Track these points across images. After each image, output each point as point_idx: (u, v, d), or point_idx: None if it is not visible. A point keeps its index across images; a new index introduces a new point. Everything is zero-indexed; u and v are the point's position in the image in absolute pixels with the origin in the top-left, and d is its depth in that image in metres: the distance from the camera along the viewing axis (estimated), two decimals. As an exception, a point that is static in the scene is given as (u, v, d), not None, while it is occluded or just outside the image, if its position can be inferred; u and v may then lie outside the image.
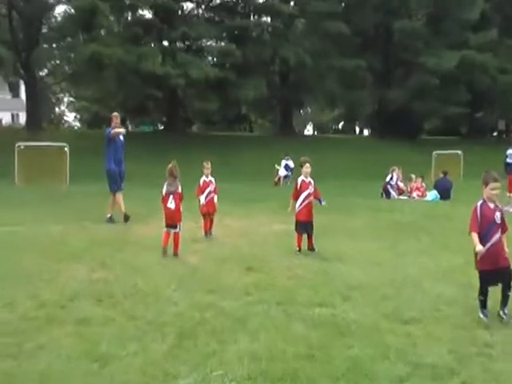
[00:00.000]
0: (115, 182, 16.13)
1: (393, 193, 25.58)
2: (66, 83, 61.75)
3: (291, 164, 33.89)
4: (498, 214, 7.42)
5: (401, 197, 25.57)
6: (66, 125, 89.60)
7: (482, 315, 7.34)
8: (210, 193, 13.52)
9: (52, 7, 49.67)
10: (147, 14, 52.43)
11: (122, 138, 16.35)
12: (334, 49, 50.96)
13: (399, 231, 14.48)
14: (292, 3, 52.69)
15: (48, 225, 14.66)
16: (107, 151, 16.24)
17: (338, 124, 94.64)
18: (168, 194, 11.32)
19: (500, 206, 7.66)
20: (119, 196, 16.08)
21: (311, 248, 11.78)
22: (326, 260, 10.81)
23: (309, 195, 11.81)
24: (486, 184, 7.43)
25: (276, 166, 34.38)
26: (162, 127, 58.80)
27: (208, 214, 13.48)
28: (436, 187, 25.47)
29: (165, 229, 11.24)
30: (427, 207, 20.67)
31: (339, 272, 9.75)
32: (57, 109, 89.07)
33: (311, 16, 51.35)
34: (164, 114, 59.00)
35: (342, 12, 51.21)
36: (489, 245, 7.32)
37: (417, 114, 54.76)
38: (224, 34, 50.26)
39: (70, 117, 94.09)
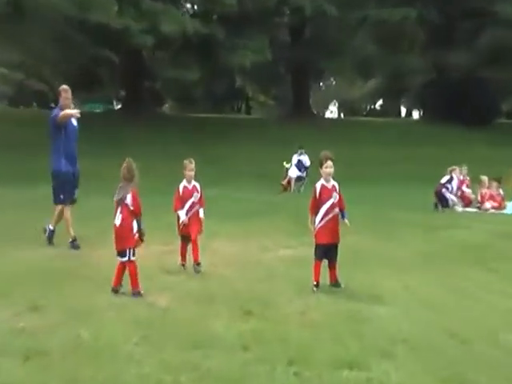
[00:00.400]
0: (64, 190, 15.89)
1: (451, 198, 25.56)
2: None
3: (306, 161, 33.96)
4: None
5: (468, 209, 25.58)
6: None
7: None
8: (193, 205, 13.36)
9: None
10: None
11: (74, 122, 16.16)
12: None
13: (463, 259, 14.51)
14: None
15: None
16: (54, 143, 15.93)
17: (375, 102, 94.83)
18: (116, 204, 11.33)
19: None
20: (67, 210, 15.94)
21: (335, 282, 11.82)
22: (357, 300, 10.83)
23: (333, 206, 11.80)
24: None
25: (285, 163, 34.42)
26: (119, 106, 59.00)
27: (188, 236, 13.33)
28: (520, 195, 25.58)
29: (117, 257, 11.27)
30: (506, 224, 20.70)
31: (376, 318, 9.78)
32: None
33: None
34: (122, 88, 59.17)
35: None
36: None
37: (490, 88, 54.78)
38: (209, -30, 50.44)
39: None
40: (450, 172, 25.93)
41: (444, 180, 25.82)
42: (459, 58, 51.16)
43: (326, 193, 11.75)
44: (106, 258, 13.24)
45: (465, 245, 16.48)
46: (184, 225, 13.21)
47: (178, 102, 73.31)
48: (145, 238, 11.23)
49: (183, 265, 13.28)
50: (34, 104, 77.54)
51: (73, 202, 16.05)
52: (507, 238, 17.70)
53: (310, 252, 11.94)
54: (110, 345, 8.35)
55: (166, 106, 75.70)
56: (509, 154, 37.71)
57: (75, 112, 15.89)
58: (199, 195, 13.41)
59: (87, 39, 43.83)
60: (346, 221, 11.88)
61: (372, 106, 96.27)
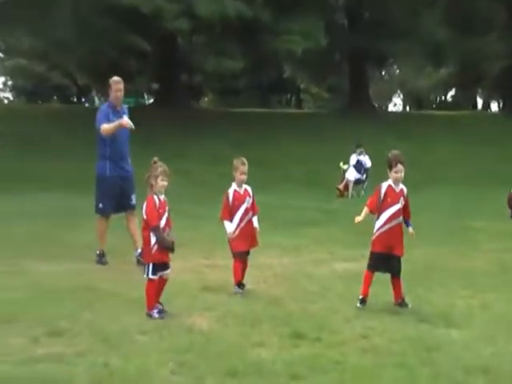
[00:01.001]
0: (105, 199, 15.94)
1: None
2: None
3: (367, 161, 33.91)
4: None
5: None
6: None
7: None
8: (246, 212, 12.94)
9: None
10: None
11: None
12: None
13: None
14: None
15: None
16: (100, 144, 16.03)
17: (447, 93, 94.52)
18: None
19: None
20: (103, 221, 16.00)
21: (400, 301, 11.81)
22: (428, 322, 10.80)
23: (397, 213, 11.77)
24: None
25: (341, 164, 34.39)
26: (152, 100, 59.31)
27: (244, 253, 12.94)
28: None
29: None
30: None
31: (450, 343, 9.74)
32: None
33: None
34: (155, 79, 59.49)
35: None
36: None
37: None
38: None
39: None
40: None
41: None
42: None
43: (393, 197, 11.69)
44: (139, 273, 13.30)
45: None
46: (236, 238, 12.71)
47: (219, 96, 73.61)
48: (173, 250, 11.18)
49: (239, 285, 12.77)
50: (55, 98, 78.26)
51: (130, 207, 16.01)
52: None
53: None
54: (142, 373, 8.38)
55: (205, 99, 75.98)
56: None
57: (126, 123, 15.45)
58: (251, 200, 13.05)
59: (114, 25, 43.96)
60: (411, 229, 11.86)
61: (443, 98, 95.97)
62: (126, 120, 15.39)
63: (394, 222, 11.67)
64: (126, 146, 16.12)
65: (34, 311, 11.13)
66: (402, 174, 11.67)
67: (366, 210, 11.80)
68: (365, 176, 33.65)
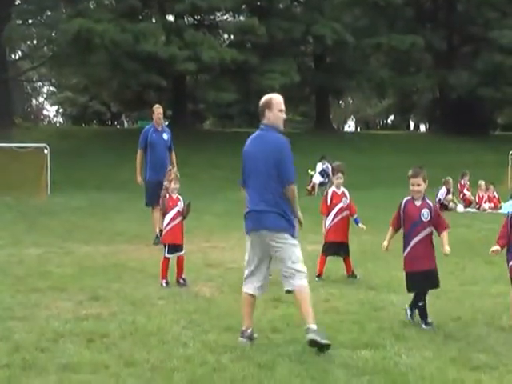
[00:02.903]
0: (148, 195, 16.09)
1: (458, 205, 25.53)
2: (46, 69, 62.13)
3: (329, 169, 33.89)
4: None
5: (468, 209, 25.45)
6: (46, 120, 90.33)
7: None
8: (340, 210, 12.03)
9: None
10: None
11: (165, 137, 16.35)
12: (382, 23, 51.01)
13: (466, 253, 14.40)
14: (329, -34, 52.71)
15: (23, 248, 14.82)
16: (144, 156, 16.29)
17: (387, 118, 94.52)
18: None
19: None
20: (155, 212, 15.70)
21: (352, 274, 11.83)
22: (374, 289, 10.80)
23: (341, 209, 11.85)
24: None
25: (310, 171, 34.39)
26: (167, 123, 59.19)
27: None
28: (514, 196, 25.30)
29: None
30: (502, 221, 20.52)
31: (390, 304, 9.74)
32: (34, 101, 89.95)
33: (353, -18, 51.52)
34: (169, 107, 59.33)
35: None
36: None
37: (487, 104, 54.57)
38: (243, 6, 50.46)
39: (51, 111, 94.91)
40: (444, 184, 25.86)
41: (440, 195, 25.76)
42: (460, 79, 50.88)
43: (336, 198, 11.83)
44: (157, 253, 13.26)
45: (467, 240, 16.40)
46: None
47: (218, 119, 73.35)
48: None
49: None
50: (94, 122, 78.01)
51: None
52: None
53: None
54: (160, 329, 8.39)
55: (207, 122, 75.82)
56: (504, 160, 37.44)
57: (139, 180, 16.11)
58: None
59: (139, 67, 43.99)
60: (360, 225, 11.92)
61: (385, 121, 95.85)
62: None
63: (339, 217, 11.78)
64: (165, 155, 16.16)
65: (78, 282, 11.13)
66: (341, 180, 11.82)
67: (323, 218, 12.01)
68: (327, 180, 33.66)
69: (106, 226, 19.21)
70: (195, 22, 50.46)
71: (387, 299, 10.06)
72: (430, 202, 9.04)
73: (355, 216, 12.03)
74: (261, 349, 7.63)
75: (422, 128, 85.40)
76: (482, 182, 26.46)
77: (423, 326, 8.63)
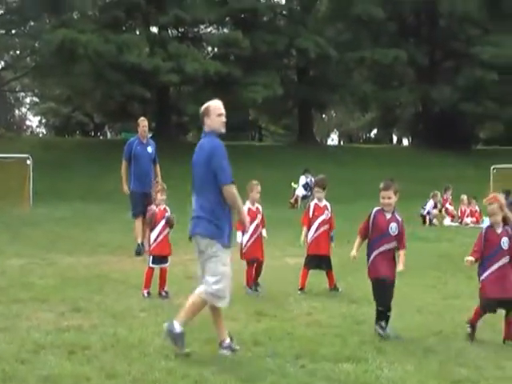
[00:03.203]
0: (132, 206, 16.19)
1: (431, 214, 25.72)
2: (29, 79, 62.01)
3: (312, 182, 33.94)
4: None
5: (451, 223, 25.56)
6: (29, 131, 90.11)
7: None
8: (257, 228, 12.05)
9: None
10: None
11: (149, 150, 16.53)
12: (366, 37, 51.24)
13: (447, 267, 14.49)
14: (313, -21, 53.02)
15: (5, 259, 14.76)
16: (128, 167, 16.40)
17: (370, 131, 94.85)
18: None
19: None
20: (137, 221, 15.96)
21: (334, 287, 11.85)
22: (356, 303, 10.82)
23: (323, 222, 11.89)
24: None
25: (293, 184, 34.42)
26: (150, 135, 59.13)
27: (255, 260, 12.09)
28: (495, 211, 25.40)
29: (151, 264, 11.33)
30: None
31: (372, 317, 9.74)
32: (16, 111, 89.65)
33: (336, -4, 51.79)
34: (153, 119, 59.26)
35: (376, -9, 51.20)
36: None
37: (469, 119, 54.88)
38: (227, 19, 50.69)
39: (34, 121, 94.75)
40: (432, 197, 26.01)
41: (428, 207, 25.94)
42: (442, 94, 51.19)
43: (318, 211, 11.86)
44: (140, 264, 13.25)
45: (449, 254, 16.49)
46: (246, 248, 11.93)
47: (201, 132, 73.40)
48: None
49: (251, 287, 11.97)
50: (77, 132, 77.94)
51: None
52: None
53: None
54: (142, 341, 8.36)
55: (191, 134, 75.82)
56: (486, 175, 37.61)
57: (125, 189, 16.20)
58: (261, 216, 12.19)
59: (123, 78, 43.97)
60: (333, 244, 12.07)
61: (368, 135, 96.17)
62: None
63: (321, 230, 11.82)
64: (149, 167, 16.36)
65: (60, 293, 11.09)
66: (320, 194, 11.88)
67: (303, 229, 12.01)
68: (310, 193, 33.71)
69: (89, 236, 19.17)
70: (179, 34, 50.64)
71: (369, 312, 10.05)
72: (398, 217, 9.12)
73: (332, 232, 12.07)
74: (243, 362, 7.62)
75: (405, 142, 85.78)
76: (464, 197, 26.63)
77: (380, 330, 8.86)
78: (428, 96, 53.26)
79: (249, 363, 7.58)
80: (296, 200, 33.75)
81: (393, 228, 8.94)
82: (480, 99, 50.68)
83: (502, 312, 8.88)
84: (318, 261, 11.89)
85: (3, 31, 47.84)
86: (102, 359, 7.64)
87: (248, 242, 11.90)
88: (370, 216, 9.14)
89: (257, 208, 12.13)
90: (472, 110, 51.06)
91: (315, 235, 11.89)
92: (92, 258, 15.20)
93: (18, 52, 50.72)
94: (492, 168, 37.83)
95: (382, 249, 8.99)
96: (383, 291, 8.88)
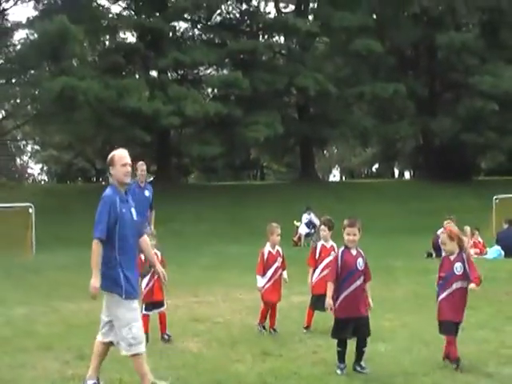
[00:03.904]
0: None
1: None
2: (29, 127, 62.30)
3: (314, 219, 33.97)
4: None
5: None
6: (31, 179, 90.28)
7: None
8: (276, 270, 11.92)
9: (9, 32, 50.31)
10: (129, 38, 53.36)
11: (147, 194, 16.59)
12: (365, 72, 51.50)
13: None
14: (310, 18, 53.28)
15: (9, 307, 14.74)
16: None
17: (372, 166, 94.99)
18: None
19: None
20: None
21: None
22: (361, 340, 10.79)
23: (329, 264, 11.88)
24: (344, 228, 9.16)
25: (295, 222, 34.44)
26: (152, 178, 59.26)
27: (271, 303, 11.95)
28: (499, 241, 25.35)
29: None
30: (487, 267, 20.58)
31: (377, 354, 9.74)
32: (18, 160, 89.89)
33: (335, 33, 52.13)
34: (154, 162, 59.50)
35: (374, 26, 51.60)
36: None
37: (470, 149, 54.94)
38: (227, 60, 51.05)
39: (35, 169, 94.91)
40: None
41: (439, 231, 25.67)
42: (442, 126, 51.31)
43: (325, 252, 11.87)
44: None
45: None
46: (264, 290, 11.78)
47: (203, 173, 73.51)
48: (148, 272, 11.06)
49: (263, 326, 11.87)
50: (79, 179, 78.17)
51: None
52: (490, 280, 17.59)
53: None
54: (148, 386, 8.32)
55: (192, 176, 75.97)
56: (488, 205, 37.61)
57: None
58: (281, 259, 12.09)
59: (123, 122, 44.14)
60: None
61: (369, 170, 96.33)
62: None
63: (326, 271, 11.77)
64: (145, 211, 16.12)
65: (64, 341, 11.07)
66: (325, 233, 11.88)
67: (310, 270, 12.04)
68: (313, 230, 33.74)
69: (89, 282, 19.11)
70: (179, 77, 50.96)
71: (374, 349, 10.04)
72: (361, 252, 9.41)
73: None
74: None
75: (407, 175, 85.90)
76: (467, 228, 26.52)
77: (358, 368, 8.95)
78: (428, 128, 53.42)
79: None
80: (299, 238, 33.82)
81: (360, 263, 9.20)
82: (480, 129, 50.76)
83: (508, 342, 8.87)
84: (324, 301, 11.85)
85: (3, 80, 48.10)
86: (108, 406, 7.65)
87: (266, 284, 11.78)
88: (337, 257, 9.30)
89: (277, 251, 11.99)
90: (473, 140, 51.14)
91: (320, 276, 11.79)
92: (93, 304, 15.14)
93: (18, 100, 50.96)
94: (494, 198, 37.85)
95: (354, 286, 9.11)
96: (348, 329, 9.05)
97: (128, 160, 8.45)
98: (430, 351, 9.82)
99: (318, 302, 11.81)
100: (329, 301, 9.09)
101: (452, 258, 9.38)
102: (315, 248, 12.14)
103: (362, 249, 9.42)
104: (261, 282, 11.74)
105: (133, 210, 8.35)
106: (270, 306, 11.87)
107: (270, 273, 11.76)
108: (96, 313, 13.77)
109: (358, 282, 9.11)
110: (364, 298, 9.17)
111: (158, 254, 11.26)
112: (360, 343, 9.05)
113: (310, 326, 11.82)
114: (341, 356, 8.94)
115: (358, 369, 8.92)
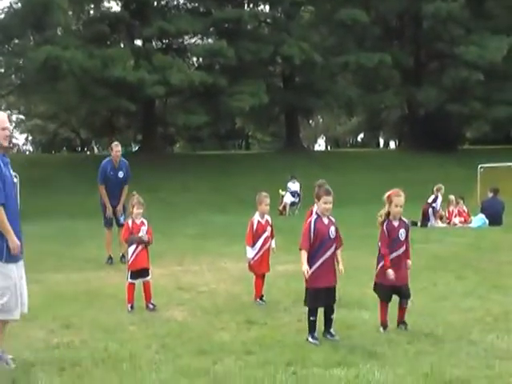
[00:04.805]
0: (104, 218, 17.22)
1: (432, 220, 25.51)
2: (14, 97, 61.90)
3: (297, 188, 34.02)
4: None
5: (439, 224, 25.55)
6: (15, 149, 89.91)
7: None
8: (266, 240, 11.77)
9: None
10: (114, 7, 53.04)
11: (120, 175, 16.98)
12: (350, 42, 51.41)
13: (437, 268, 14.50)
14: (296, -14, 53.00)
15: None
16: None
17: (357, 136, 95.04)
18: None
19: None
20: (107, 233, 17.19)
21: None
22: (345, 307, 10.77)
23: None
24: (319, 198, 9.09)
25: (280, 191, 34.42)
26: (137, 148, 59.14)
27: (262, 274, 11.90)
28: (483, 210, 25.40)
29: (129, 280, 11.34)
30: (472, 236, 20.69)
31: (362, 322, 9.76)
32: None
33: (320, 2, 51.95)
34: (139, 132, 59.37)
35: (359, -5, 51.27)
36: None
37: (455, 119, 55.06)
38: (211, 29, 50.75)
39: (20, 139, 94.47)
40: (436, 191, 25.76)
41: (430, 199, 25.68)
42: (427, 96, 51.40)
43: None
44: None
45: (438, 255, 16.51)
46: (253, 261, 11.64)
47: (188, 142, 73.38)
48: (142, 242, 11.20)
49: (261, 298, 11.68)
50: (64, 149, 77.86)
51: (119, 225, 16.56)
52: (475, 249, 17.74)
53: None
54: (133, 355, 8.35)
55: (177, 145, 75.82)
56: (473, 174, 37.77)
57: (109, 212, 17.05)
58: (271, 229, 11.90)
59: (108, 92, 43.94)
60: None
61: (354, 139, 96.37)
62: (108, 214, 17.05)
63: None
64: (118, 191, 16.90)
65: (50, 311, 11.04)
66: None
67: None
68: (298, 199, 33.81)
69: (77, 253, 19.10)
70: (163, 46, 50.67)
71: (359, 317, 10.08)
72: (333, 219, 9.32)
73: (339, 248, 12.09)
74: (234, 371, 7.61)
75: (392, 145, 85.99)
76: (452, 197, 26.59)
77: (328, 336, 9.01)
78: (414, 98, 53.51)
79: (240, 372, 7.57)
80: (284, 207, 33.77)
81: (332, 231, 9.13)
82: (466, 99, 50.92)
83: (493, 310, 8.90)
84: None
85: (-13, 50, 47.71)
86: (93, 375, 7.66)
87: (256, 255, 11.63)
88: (309, 226, 9.12)
89: (266, 220, 11.81)
90: (458, 110, 51.30)
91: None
92: (80, 274, 15.15)
93: (2, 70, 50.45)
94: (479, 167, 38.01)
95: (327, 254, 9.05)
96: (320, 298, 9.00)
97: (7, 124, 8.19)
98: (414, 318, 9.82)
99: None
100: (305, 266, 8.82)
101: (396, 224, 9.58)
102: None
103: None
104: (250, 253, 11.57)
105: (12, 172, 8.26)
106: (260, 276, 11.78)
107: (259, 243, 11.63)
108: (82, 283, 13.84)
109: (330, 252, 9.04)
110: (335, 268, 9.11)
111: (145, 222, 11.29)
112: (328, 311, 9.06)
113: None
114: (313, 325, 8.91)
115: (328, 336, 8.98)
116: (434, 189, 25.89)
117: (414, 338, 8.85)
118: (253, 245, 11.59)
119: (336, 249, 9.14)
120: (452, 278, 13.32)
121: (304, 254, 8.95)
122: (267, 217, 11.83)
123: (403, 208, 9.61)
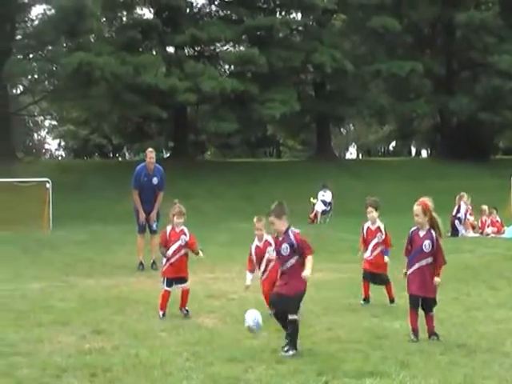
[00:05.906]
0: (137, 224, 17.47)
1: (461, 230, 25.36)
2: (47, 103, 62.35)
3: (329, 197, 33.94)
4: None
5: (471, 234, 25.38)
6: (48, 154, 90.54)
7: None
8: (267, 262, 11.40)
9: (27, 8, 50.24)
10: (147, 14, 53.23)
11: (155, 181, 17.23)
12: (382, 50, 51.22)
13: (469, 278, 14.41)
14: (328, -6, 52.91)
15: (26, 283, 14.80)
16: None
17: (389, 144, 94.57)
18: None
19: None
20: (139, 239, 17.42)
21: (392, 300, 12.09)
22: (377, 317, 10.75)
23: (377, 245, 12.15)
24: None
25: (311, 199, 34.36)
26: (168, 154, 59.28)
27: (376, 274, 12.21)
28: (517, 221, 25.26)
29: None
30: (505, 246, 20.54)
31: (394, 332, 9.71)
32: (35, 135, 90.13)
33: (352, 10, 51.83)
34: (170, 139, 59.53)
35: (392, 4, 51.22)
36: None
37: (488, 128, 54.63)
38: (243, 37, 50.75)
39: (53, 144, 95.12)
40: (459, 199, 25.67)
41: (454, 211, 25.60)
42: (460, 104, 51.02)
43: (370, 234, 12.17)
44: (159, 285, 13.24)
45: (470, 266, 16.41)
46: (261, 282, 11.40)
47: (219, 149, 73.51)
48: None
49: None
50: (96, 154, 78.28)
51: (152, 231, 17.18)
52: (508, 259, 17.59)
53: (335, 276, 11.92)
54: (163, 361, 8.35)
55: (208, 153, 75.96)
56: (506, 184, 37.44)
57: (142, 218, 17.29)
58: (383, 236, 12.26)
59: (139, 99, 44.13)
60: (386, 258, 12.12)
61: (386, 148, 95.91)
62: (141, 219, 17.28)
63: (376, 251, 12.09)
64: (152, 197, 17.15)
65: (81, 316, 11.11)
66: (372, 214, 11.93)
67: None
68: (329, 208, 33.74)
69: (107, 258, 19.22)
70: (195, 53, 50.84)
71: (390, 327, 10.04)
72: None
73: (388, 249, 12.27)
74: (265, 380, 7.59)
75: (424, 154, 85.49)
76: (485, 207, 26.44)
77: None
78: (446, 107, 53.15)
79: (271, 381, 7.55)
80: (315, 215, 33.70)
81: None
82: (498, 108, 50.48)
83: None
84: (373, 276, 12.09)
85: (21, 56, 48.00)
86: (123, 381, 7.67)
87: (263, 274, 11.49)
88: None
89: (265, 242, 11.44)
90: (490, 119, 50.85)
91: (372, 255, 12.20)
92: (111, 280, 15.23)
93: (35, 76, 50.81)
94: (512, 177, 37.66)
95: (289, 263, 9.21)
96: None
97: None
98: (446, 329, 9.77)
99: (367, 275, 12.11)
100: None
101: (422, 234, 9.63)
102: (362, 229, 12.38)
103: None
104: (249, 278, 11.45)
105: None
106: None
107: (262, 266, 11.45)
108: (112, 289, 13.91)
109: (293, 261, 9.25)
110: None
111: (186, 231, 11.33)
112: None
113: (368, 297, 12.15)
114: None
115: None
116: (457, 198, 25.86)
117: (447, 349, 8.78)
118: (252, 270, 11.48)
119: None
120: (484, 288, 13.23)
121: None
122: (266, 237, 11.45)
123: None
